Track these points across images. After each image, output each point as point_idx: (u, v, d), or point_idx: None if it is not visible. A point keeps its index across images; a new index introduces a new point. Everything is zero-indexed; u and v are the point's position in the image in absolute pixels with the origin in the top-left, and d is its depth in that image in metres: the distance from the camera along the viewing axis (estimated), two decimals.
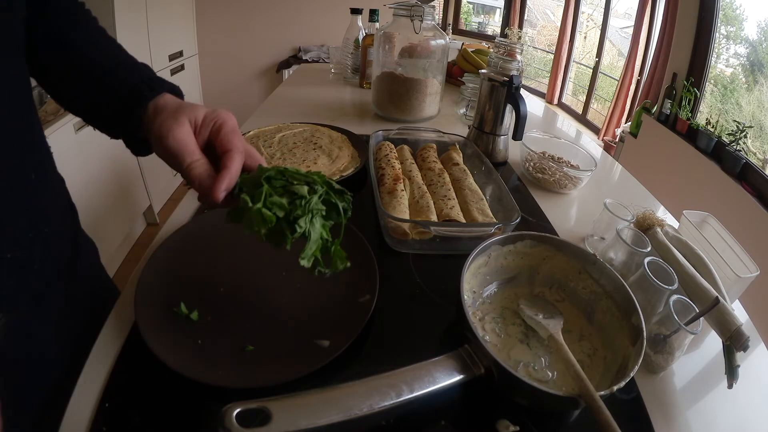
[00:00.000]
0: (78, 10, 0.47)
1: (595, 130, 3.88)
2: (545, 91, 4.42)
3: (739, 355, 0.43)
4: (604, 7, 3.73)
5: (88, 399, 0.37)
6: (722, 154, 2.23)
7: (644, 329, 0.40)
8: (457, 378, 0.37)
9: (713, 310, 0.43)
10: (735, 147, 2.17)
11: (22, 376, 0.43)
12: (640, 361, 0.37)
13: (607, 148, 3.31)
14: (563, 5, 3.93)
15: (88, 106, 0.44)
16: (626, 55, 3.52)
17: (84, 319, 0.49)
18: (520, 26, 4.16)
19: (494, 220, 0.63)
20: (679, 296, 0.45)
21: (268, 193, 0.37)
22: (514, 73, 0.81)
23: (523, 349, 0.45)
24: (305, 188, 0.38)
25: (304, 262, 0.37)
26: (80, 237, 0.55)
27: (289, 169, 0.39)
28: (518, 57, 0.83)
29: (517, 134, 0.80)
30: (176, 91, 0.44)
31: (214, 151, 0.40)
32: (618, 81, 3.55)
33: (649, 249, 0.52)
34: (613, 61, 4.18)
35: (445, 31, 1.52)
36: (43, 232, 0.43)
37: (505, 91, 0.82)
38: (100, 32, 0.48)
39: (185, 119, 0.38)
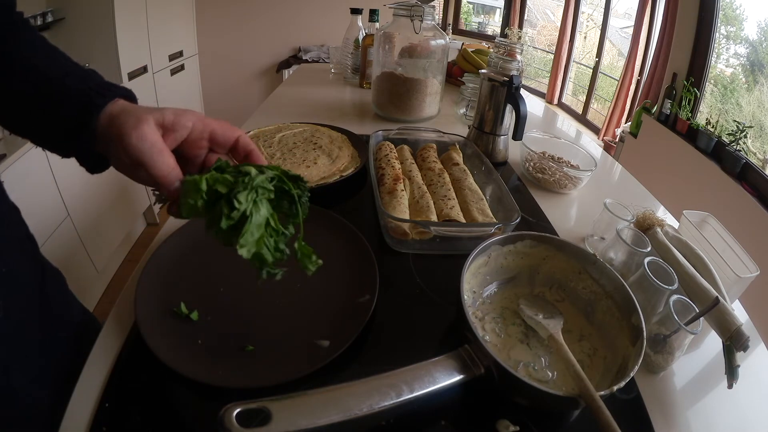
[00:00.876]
0: (17, 19, 0.42)
1: (595, 130, 3.88)
2: (545, 91, 4.42)
3: (739, 355, 0.43)
4: (604, 7, 3.73)
5: (88, 399, 0.37)
6: (722, 154, 2.22)
7: (644, 329, 0.40)
8: (457, 378, 0.37)
9: (713, 310, 0.43)
10: (735, 147, 2.17)
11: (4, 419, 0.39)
12: (640, 361, 0.37)
13: (607, 148, 3.30)
14: (563, 5, 3.93)
15: (33, 121, 0.39)
16: (626, 55, 3.52)
17: (67, 356, 0.47)
18: (520, 26, 4.16)
19: (494, 220, 0.63)
20: (679, 296, 0.45)
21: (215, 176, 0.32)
22: (514, 73, 0.81)
23: (523, 349, 0.45)
24: (253, 170, 0.33)
25: (243, 252, 0.31)
26: (45, 268, 0.50)
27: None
28: (518, 57, 0.83)
29: (517, 134, 0.80)
30: (130, 96, 0.38)
31: (186, 155, 0.37)
32: (618, 81, 3.55)
33: (649, 249, 0.52)
34: (613, 61, 4.18)
35: (445, 31, 1.52)
36: (1, 270, 0.40)
37: (505, 91, 0.82)
38: (41, 40, 0.42)
39: (150, 117, 0.33)
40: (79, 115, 0.36)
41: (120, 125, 0.33)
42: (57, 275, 0.54)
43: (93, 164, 0.40)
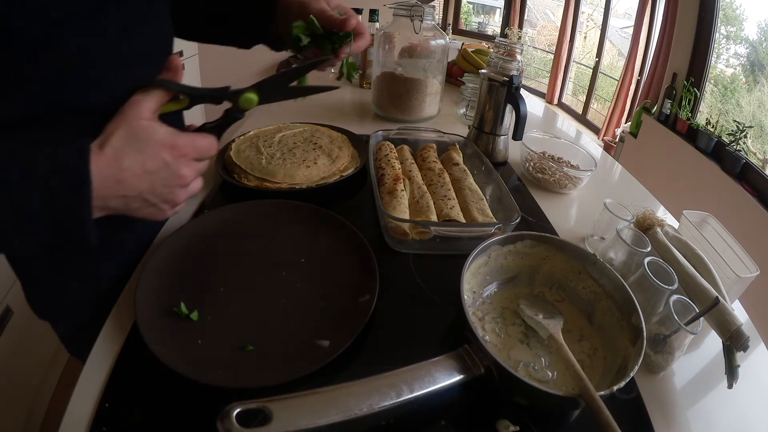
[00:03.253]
0: None
1: (595, 130, 3.88)
2: (545, 91, 4.42)
3: (739, 355, 0.43)
4: (604, 7, 3.73)
5: (88, 399, 0.37)
6: (722, 154, 2.23)
7: (644, 329, 0.40)
8: (457, 378, 0.37)
9: (713, 310, 0.43)
10: (735, 147, 2.17)
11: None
12: (640, 361, 0.37)
13: (607, 148, 3.31)
14: (563, 5, 3.94)
15: (227, 21, 0.58)
16: (626, 55, 3.52)
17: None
18: (520, 26, 4.16)
19: (494, 220, 0.63)
20: (679, 296, 0.45)
21: None
22: (514, 73, 0.81)
23: (523, 349, 0.45)
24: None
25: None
26: None
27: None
28: (518, 57, 0.83)
29: (517, 134, 0.80)
30: None
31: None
32: (618, 81, 3.55)
33: (649, 249, 0.52)
34: (613, 61, 4.18)
35: (445, 31, 1.52)
36: None
37: (505, 91, 0.82)
38: None
39: None
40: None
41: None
42: None
43: (275, 45, 0.61)
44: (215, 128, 0.44)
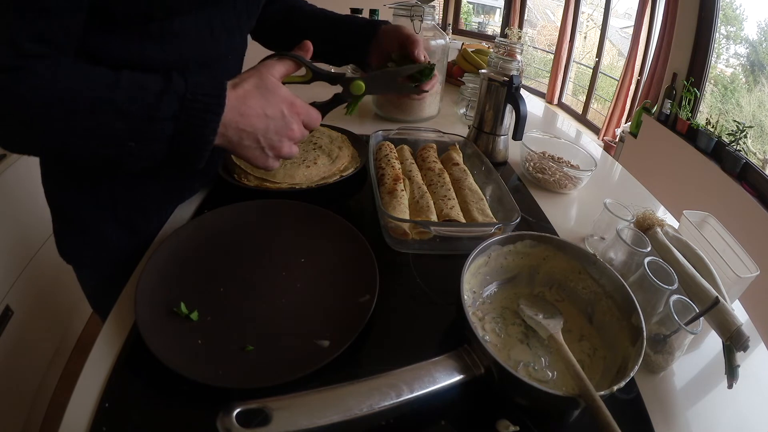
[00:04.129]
0: None
1: (595, 130, 3.88)
2: (545, 91, 4.43)
3: (739, 355, 0.43)
4: (604, 7, 3.73)
5: (88, 399, 0.37)
6: (722, 154, 2.23)
7: (644, 329, 0.40)
8: (457, 378, 0.37)
9: (713, 310, 0.43)
10: (735, 147, 2.18)
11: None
12: (640, 361, 0.37)
13: (607, 148, 3.31)
14: (563, 5, 3.94)
15: (327, 44, 0.63)
16: (626, 55, 3.52)
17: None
18: (520, 26, 4.16)
19: (494, 220, 0.63)
20: (679, 296, 0.45)
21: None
22: (514, 73, 0.81)
23: (523, 349, 0.45)
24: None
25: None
26: None
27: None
28: (518, 57, 0.83)
29: (517, 134, 0.80)
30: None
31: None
32: (618, 81, 3.56)
33: (649, 249, 0.52)
34: (613, 61, 4.18)
35: (445, 31, 1.52)
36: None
37: (505, 91, 0.82)
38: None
39: None
40: (364, 32, 0.64)
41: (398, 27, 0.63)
42: None
43: (363, 66, 0.67)
44: (322, 106, 0.53)
